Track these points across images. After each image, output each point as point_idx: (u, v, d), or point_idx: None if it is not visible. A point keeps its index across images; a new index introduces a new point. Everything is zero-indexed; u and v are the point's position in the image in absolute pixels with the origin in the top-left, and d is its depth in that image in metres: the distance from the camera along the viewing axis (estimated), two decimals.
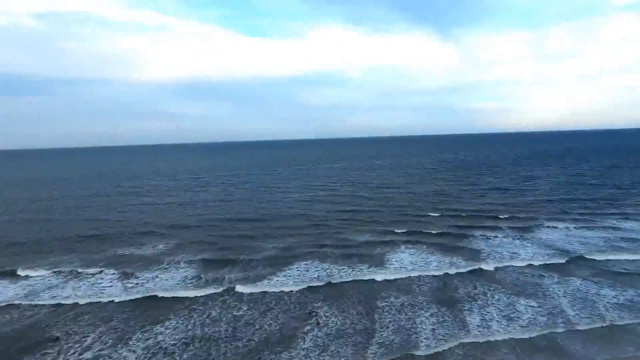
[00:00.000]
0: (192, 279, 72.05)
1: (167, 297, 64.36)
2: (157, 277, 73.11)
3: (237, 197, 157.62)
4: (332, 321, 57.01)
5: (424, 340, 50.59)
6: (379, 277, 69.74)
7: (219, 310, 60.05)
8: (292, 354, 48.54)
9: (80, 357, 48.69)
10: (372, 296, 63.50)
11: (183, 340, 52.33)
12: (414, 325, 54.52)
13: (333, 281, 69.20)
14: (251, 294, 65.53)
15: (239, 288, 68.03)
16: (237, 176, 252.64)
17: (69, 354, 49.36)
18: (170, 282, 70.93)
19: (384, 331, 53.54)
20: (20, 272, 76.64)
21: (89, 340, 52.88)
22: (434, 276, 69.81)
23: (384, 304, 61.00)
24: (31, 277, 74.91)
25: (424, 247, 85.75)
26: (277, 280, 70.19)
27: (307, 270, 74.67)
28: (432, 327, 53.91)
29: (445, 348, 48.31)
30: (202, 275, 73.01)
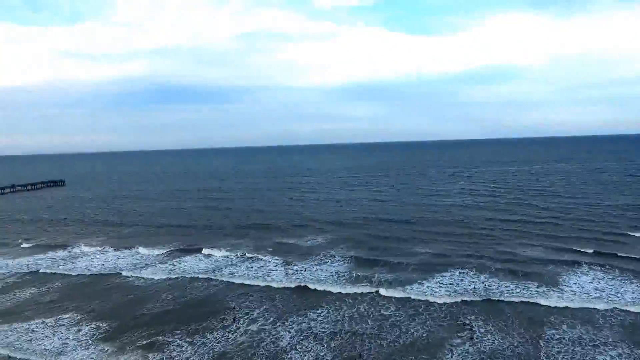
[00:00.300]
0: (344, 273, 75.22)
1: (319, 289, 68.72)
2: (313, 267, 78.86)
3: (391, 197, 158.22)
4: (488, 339, 51.87)
5: None
6: (550, 301, 60.08)
7: (367, 307, 61.14)
8: (449, 352, 46.07)
9: (248, 328, 56.05)
10: (538, 320, 55.35)
11: (331, 329, 55.03)
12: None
13: (492, 297, 62.87)
14: (400, 296, 64.66)
15: (388, 289, 67.89)
16: (392, 176, 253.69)
17: (240, 322, 57.47)
18: (324, 273, 75.56)
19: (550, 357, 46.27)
20: (205, 251, 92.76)
21: (255, 314, 60.45)
22: (629, 311, 56.69)
23: (553, 331, 52.47)
24: (213, 255, 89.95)
25: (617, 271, 70.05)
26: (427, 287, 67.60)
27: (462, 281, 69.79)
28: None
29: None
30: (353, 272, 75.53)
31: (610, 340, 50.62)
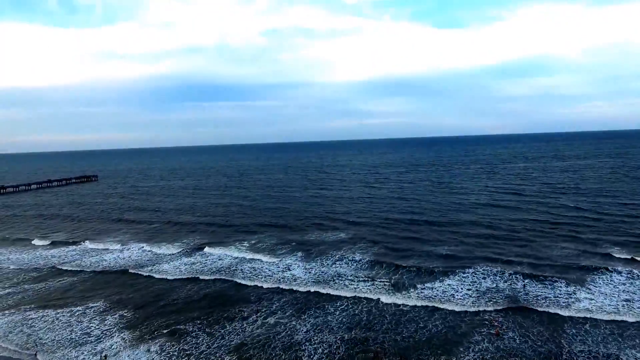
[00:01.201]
0: (363, 269, 75.13)
1: (338, 284, 68.86)
2: (333, 263, 79.14)
3: (414, 195, 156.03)
4: (509, 336, 50.89)
5: None
6: (577, 303, 58.13)
7: (384, 303, 60.83)
8: (464, 356, 45.41)
9: (265, 320, 56.93)
10: (562, 321, 53.75)
11: (347, 323, 55.18)
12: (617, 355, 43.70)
13: (515, 295, 61.44)
14: (419, 293, 64.07)
15: (407, 285, 67.45)
16: (415, 172, 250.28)
17: (257, 314, 58.42)
18: (344, 269, 75.63)
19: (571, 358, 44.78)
20: (226, 247, 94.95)
21: (274, 307, 61.17)
22: None
23: (574, 331, 50.85)
24: (233, 251, 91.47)
25: None
26: (448, 284, 66.63)
27: (484, 279, 68.34)
28: None
29: None
30: (373, 268, 75.28)
31: (637, 344, 48.82)
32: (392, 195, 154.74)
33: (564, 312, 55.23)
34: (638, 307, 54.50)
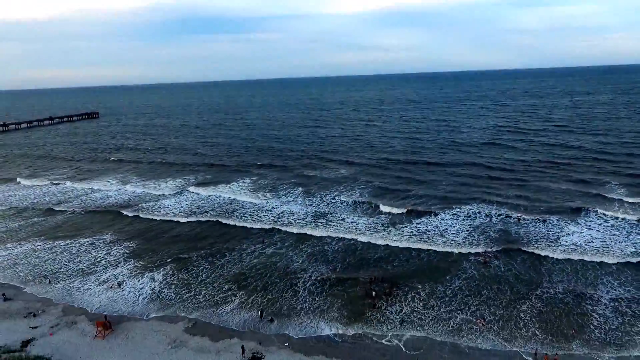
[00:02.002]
0: (362, 205, 77.00)
1: (337, 218, 71.04)
2: (333, 198, 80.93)
3: (414, 132, 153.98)
4: (495, 264, 53.36)
5: (596, 320, 42.97)
6: (564, 239, 59.72)
7: (379, 237, 63.09)
8: (443, 287, 48.28)
9: (263, 251, 59.77)
10: (546, 256, 56.12)
11: (343, 255, 57.90)
12: (593, 293, 46.43)
13: (506, 231, 63.18)
14: (413, 227, 66.19)
15: (402, 220, 69.50)
16: (419, 109, 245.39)
17: (258, 245, 61.28)
18: (343, 204, 77.53)
19: (549, 287, 47.48)
20: (227, 183, 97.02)
21: (274, 239, 63.83)
22: None
23: (557, 266, 53.16)
24: (234, 186, 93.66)
25: None
26: (442, 220, 68.35)
27: (479, 213, 70.17)
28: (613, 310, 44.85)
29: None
30: (372, 203, 76.95)
31: (616, 270, 51.27)
32: (393, 134, 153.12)
33: (550, 249, 57.17)
34: (619, 249, 56.05)
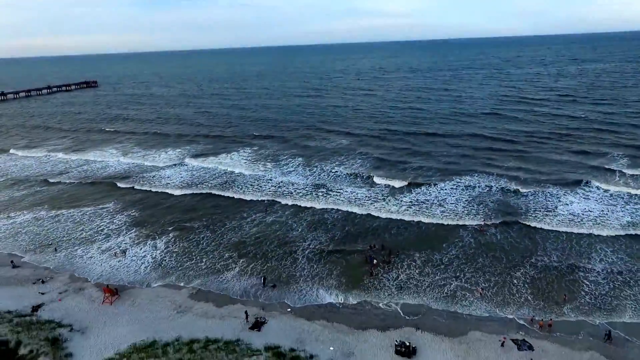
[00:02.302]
0: (361, 175, 77.42)
1: (336, 189, 71.63)
2: (333, 168, 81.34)
3: (415, 102, 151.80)
4: (492, 232, 54.38)
5: (588, 287, 44.25)
6: (561, 209, 60.60)
7: (378, 206, 63.90)
8: (440, 255, 49.50)
9: (264, 220, 60.73)
10: (542, 227, 56.99)
11: (342, 223, 58.99)
12: (586, 261, 47.64)
13: (504, 201, 63.86)
14: (412, 197, 66.88)
15: (402, 190, 70.09)
16: (419, 77, 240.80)
17: (258, 214, 62.31)
18: (343, 175, 78.00)
19: (544, 255, 48.60)
20: (227, 153, 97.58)
21: (275, 208, 64.93)
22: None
23: (551, 235, 54.07)
24: (235, 156, 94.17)
25: None
26: (441, 190, 69.03)
27: (478, 183, 70.74)
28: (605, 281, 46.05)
29: None
30: (371, 174, 77.29)
31: (609, 240, 52.28)
32: (393, 104, 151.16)
33: (547, 219, 58.03)
34: (615, 219, 56.80)
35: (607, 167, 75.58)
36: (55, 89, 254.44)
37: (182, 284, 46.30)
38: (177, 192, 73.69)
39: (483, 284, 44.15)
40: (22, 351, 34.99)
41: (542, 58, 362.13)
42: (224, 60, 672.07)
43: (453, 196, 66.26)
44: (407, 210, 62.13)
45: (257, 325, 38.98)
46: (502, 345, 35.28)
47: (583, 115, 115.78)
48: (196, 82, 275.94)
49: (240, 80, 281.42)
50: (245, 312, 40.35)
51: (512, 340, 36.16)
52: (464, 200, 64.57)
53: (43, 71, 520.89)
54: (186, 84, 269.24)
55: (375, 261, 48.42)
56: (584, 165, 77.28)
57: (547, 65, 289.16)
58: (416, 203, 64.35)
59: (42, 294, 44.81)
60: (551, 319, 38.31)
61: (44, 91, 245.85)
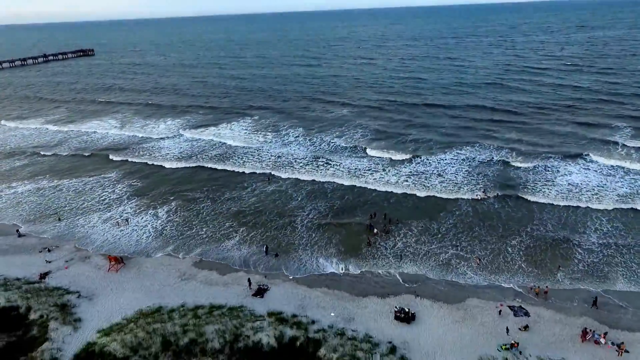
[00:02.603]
0: (362, 146, 77.24)
1: (336, 160, 71.59)
2: (333, 139, 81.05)
3: (417, 72, 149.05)
4: (490, 202, 54.87)
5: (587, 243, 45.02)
6: (562, 179, 60.85)
7: (377, 177, 64.15)
8: (446, 219, 50.19)
9: (264, 190, 61.11)
10: (539, 200, 57.45)
11: (341, 193, 59.45)
12: (582, 230, 48.38)
13: (502, 168, 64.35)
14: (412, 168, 67.03)
15: (402, 160, 70.09)
16: (424, 45, 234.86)
17: (256, 184, 62.68)
18: (342, 145, 77.87)
19: (539, 225, 49.19)
20: (227, 123, 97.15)
21: (273, 179, 65.33)
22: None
23: (548, 207, 54.48)
24: (235, 126, 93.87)
25: None
26: (441, 160, 69.06)
27: (479, 154, 70.73)
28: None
29: None
30: (372, 144, 77.30)
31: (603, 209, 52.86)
32: (395, 73, 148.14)
33: (545, 189, 58.50)
34: (613, 189, 57.17)
35: (609, 139, 74.91)
36: (51, 57, 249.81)
37: (185, 253, 47.14)
38: (175, 164, 73.56)
39: (480, 253, 44.93)
40: (33, 316, 36.08)
41: (548, 25, 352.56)
42: (223, 27, 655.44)
43: (453, 166, 66.46)
44: (406, 180, 62.38)
45: (260, 292, 39.99)
46: (500, 313, 36.27)
47: (588, 86, 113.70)
48: (193, 51, 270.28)
49: (238, 49, 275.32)
50: (248, 280, 41.32)
51: (509, 306, 37.19)
52: (463, 170, 64.76)
53: (37, 39, 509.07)
54: (183, 52, 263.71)
55: (375, 230, 49.08)
56: (585, 137, 76.81)
57: (554, 32, 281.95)
58: (416, 172, 64.55)
59: (49, 262, 45.71)
60: (547, 286, 39.25)
61: (40, 60, 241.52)
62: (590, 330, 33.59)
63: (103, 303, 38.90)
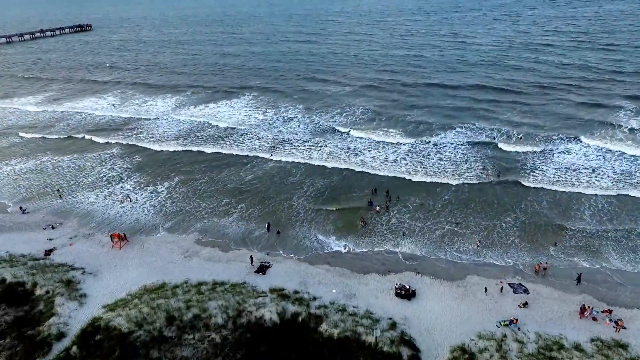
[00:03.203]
0: (362, 122, 76.86)
1: (339, 132, 71.42)
2: (333, 116, 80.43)
3: (418, 49, 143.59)
4: (491, 182, 55.03)
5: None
6: (560, 157, 60.92)
7: (374, 155, 63.97)
8: (442, 196, 50.34)
9: (263, 166, 61.06)
10: (531, 185, 57.33)
11: (339, 169, 59.47)
12: (576, 207, 48.50)
13: (504, 157, 63.13)
14: (410, 147, 66.67)
15: (400, 140, 69.50)
16: (426, 20, 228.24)
17: (257, 160, 62.60)
18: (343, 121, 77.39)
19: (534, 202, 49.35)
20: (227, 99, 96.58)
21: (271, 157, 65.18)
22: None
23: (541, 191, 54.51)
24: (234, 103, 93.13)
25: None
26: (441, 140, 68.40)
27: (480, 133, 70.19)
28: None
29: None
30: (373, 120, 76.97)
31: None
32: (396, 52, 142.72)
33: (543, 167, 58.69)
34: (611, 169, 57.26)
35: (609, 121, 73.08)
36: (48, 32, 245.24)
37: (189, 230, 47.46)
38: (172, 144, 72.04)
39: (481, 233, 44.99)
40: (39, 292, 36.63)
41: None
42: (219, 1, 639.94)
43: (452, 144, 66.13)
44: (404, 159, 62.30)
45: (262, 269, 40.44)
46: (501, 290, 36.67)
47: (594, 64, 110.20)
48: (190, 26, 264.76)
49: (234, 23, 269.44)
50: (250, 257, 41.72)
51: (509, 284, 37.62)
52: (461, 149, 64.35)
53: (35, 12, 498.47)
54: (179, 27, 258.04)
55: (378, 208, 49.25)
56: (585, 118, 75.09)
57: (561, 6, 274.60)
58: (414, 152, 64.33)
59: (51, 239, 46.04)
60: (547, 263, 39.59)
61: (37, 34, 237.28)
62: (589, 307, 34.07)
63: (107, 279, 39.46)
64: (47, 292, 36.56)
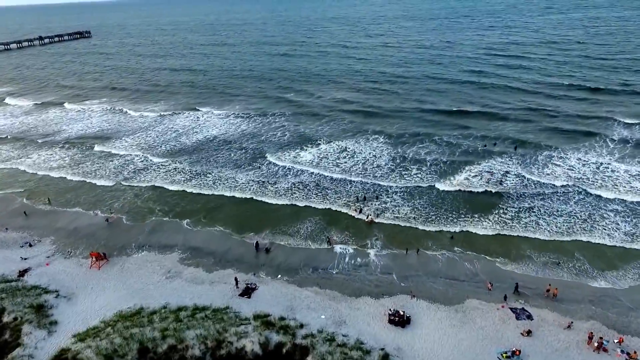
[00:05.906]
0: (350, 128, 74.52)
1: (324, 140, 68.85)
2: (320, 125, 78.35)
3: (407, 59, 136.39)
4: (497, 180, 52.43)
5: None
6: (562, 162, 58.28)
7: (379, 150, 61.62)
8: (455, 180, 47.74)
9: (263, 164, 58.66)
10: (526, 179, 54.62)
11: (331, 169, 57.04)
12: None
13: (500, 161, 61.11)
14: (414, 151, 64.16)
15: (386, 149, 67.28)
16: (418, 28, 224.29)
17: (258, 161, 60.13)
18: (330, 129, 75.24)
19: (532, 199, 46.68)
20: (220, 107, 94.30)
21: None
22: None
23: (541, 186, 51.89)
24: (226, 111, 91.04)
25: None
26: (426, 146, 66.09)
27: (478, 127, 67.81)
28: None
29: None
30: (361, 126, 74.82)
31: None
32: (386, 60, 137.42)
33: (544, 168, 55.71)
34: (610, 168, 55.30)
35: (601, 133, 68.64)
36: (47, 39, 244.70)
37: (173, 248, 44.94)
38: (157, 159, 67.05)
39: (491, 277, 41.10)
40: (6, 319, 34.21)
41: (548, 6, 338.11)
42: (215, 8, 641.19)
43: (450, 136, 63.53)
44: (393, 162, 60.51)
45: (247, 291, 37.89)
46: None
47: (575, 81, 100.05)
48: (186, 32, 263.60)
49: (230, 30, 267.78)
50: (235, 279, 39.16)
51: (511, 309, 34.89)
52: (458, 152, 61.82)
53: (35, 21, 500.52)
54: (177, 34, 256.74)
55: (370, 218, 47.21)
56: (574, 133, 69.80)
57: (554, 13, 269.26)
58: (404, 154, 62.28)
59: (25, 259, 43.49)
60: (556, 288, 36.41)
61: (36, 42, 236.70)
62: (600, 337, 31.20)
63: (82, 303, 36.99)
64: (15, 318, 34.15)
